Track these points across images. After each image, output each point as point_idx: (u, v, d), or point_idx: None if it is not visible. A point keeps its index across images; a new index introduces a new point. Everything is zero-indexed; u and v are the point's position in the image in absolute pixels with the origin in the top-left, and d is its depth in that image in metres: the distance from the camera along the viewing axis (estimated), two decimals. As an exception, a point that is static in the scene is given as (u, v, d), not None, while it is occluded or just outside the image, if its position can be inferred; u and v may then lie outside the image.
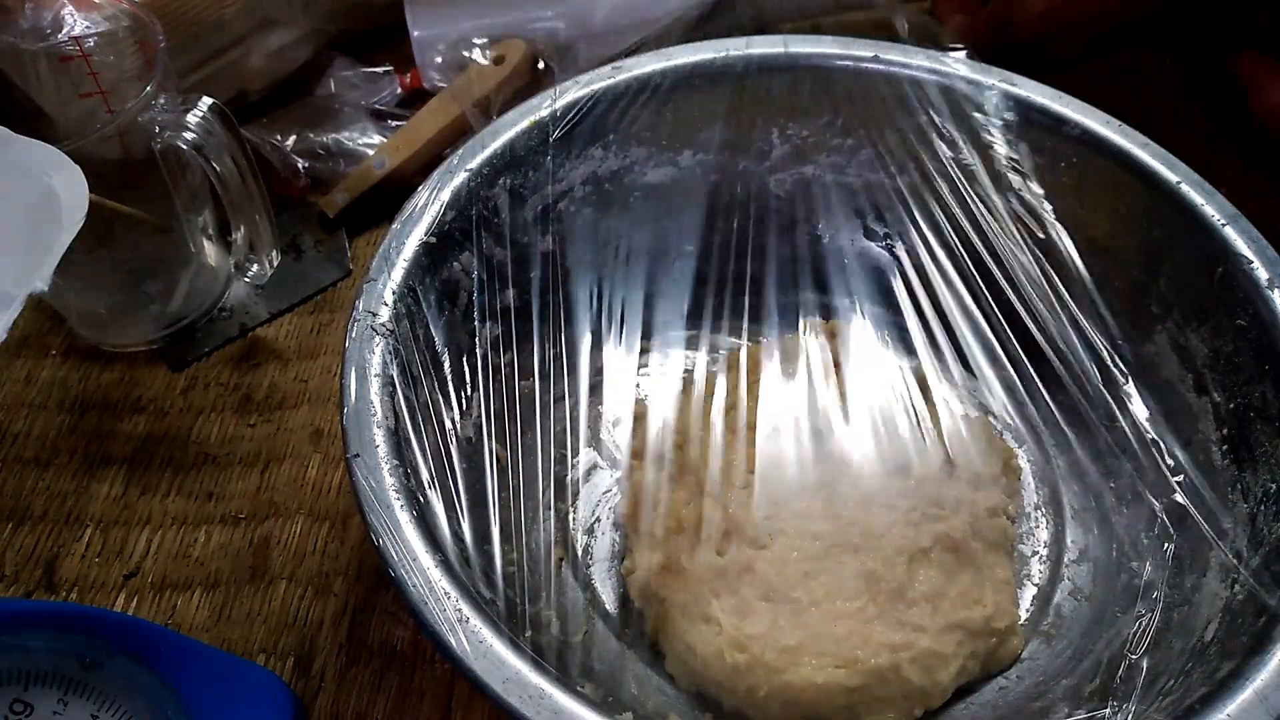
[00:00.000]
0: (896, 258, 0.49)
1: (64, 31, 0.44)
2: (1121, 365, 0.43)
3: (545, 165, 0.44)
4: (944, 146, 0.47)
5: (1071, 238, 0.45)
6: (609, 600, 0.41)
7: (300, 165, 0.58)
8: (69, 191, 0.36)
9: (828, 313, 0.50)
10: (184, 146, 0.43)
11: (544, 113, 0.44)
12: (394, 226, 0.40)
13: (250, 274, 0.49)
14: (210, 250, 0.52)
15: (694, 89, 0.46)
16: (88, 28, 0.44)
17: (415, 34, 0.60)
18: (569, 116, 0.44)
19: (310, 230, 0.56)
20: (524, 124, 0.43)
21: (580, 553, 0.43)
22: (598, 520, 0.44)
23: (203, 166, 0.44)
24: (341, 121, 0.60)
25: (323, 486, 0.47)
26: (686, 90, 0.46)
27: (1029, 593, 0.42)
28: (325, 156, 0.58)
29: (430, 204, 0.40)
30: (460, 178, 0.41)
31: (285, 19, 0.58)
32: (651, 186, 0.48)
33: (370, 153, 0.58)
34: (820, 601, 0.38)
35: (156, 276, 0.50)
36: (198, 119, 0.43)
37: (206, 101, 0.44)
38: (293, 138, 0.58)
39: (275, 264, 0.49)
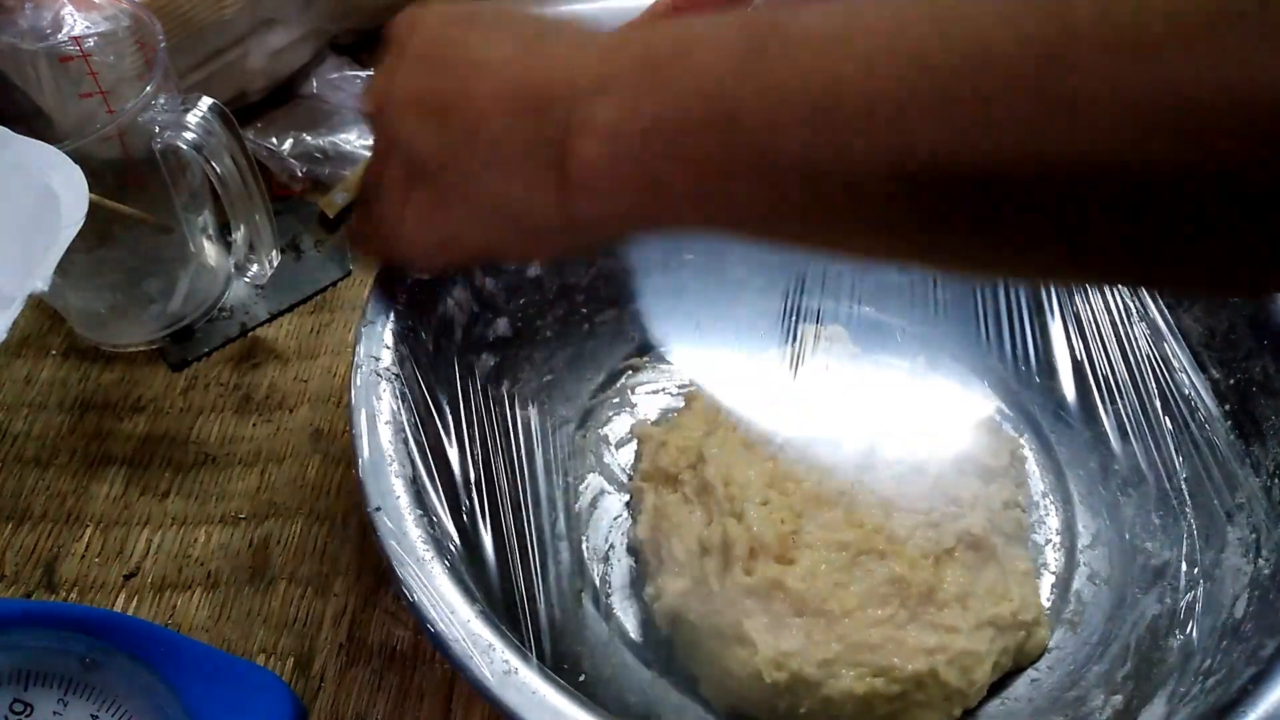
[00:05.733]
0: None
1: (64, 31, 0.44)
2: (1116, 347, 0.43)
3: None
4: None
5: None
6: (633, 629, 0.41)
7: (298, 170, 0.58)
8: (69, 191, 0.36)
9: (827, 317, 0.49)
10: (184, 146, 0.43)
11: None
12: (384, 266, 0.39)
13: (250, 274, 0.49)
14: (210, 250, 0.52)
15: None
16: (88, 28, 0.44)
17: None
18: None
19: (310, 230, 0.56)
20: None
21: (599, 582, 0.42)
22: (611, 547, 0.43)
23: (203, 166, 0.44)
24: (337, 124, 0.59)
25: (323, 486, 0.46)
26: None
27: (1047, 581, 0.42)
28: (322, 160, 0.58)
29: None
30: None
31: (285, 19, 0.58)
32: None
33: (367, 154, 0.58)
34: (853, 611, 0.37)
35: (156, 276, 0.50)
36: (198, 119, 0.43)
37: (206, 101, 0.44)
38: (289, 141, 0.58)
39: (275, 264, 0.49)
